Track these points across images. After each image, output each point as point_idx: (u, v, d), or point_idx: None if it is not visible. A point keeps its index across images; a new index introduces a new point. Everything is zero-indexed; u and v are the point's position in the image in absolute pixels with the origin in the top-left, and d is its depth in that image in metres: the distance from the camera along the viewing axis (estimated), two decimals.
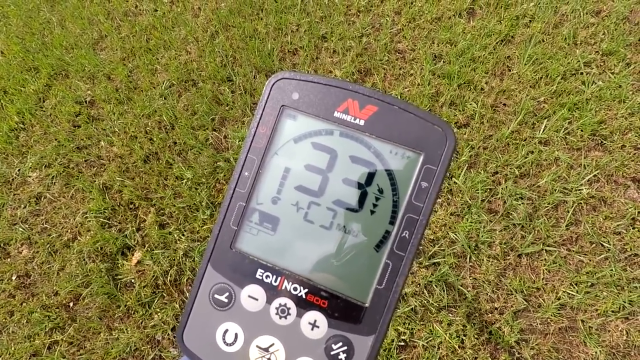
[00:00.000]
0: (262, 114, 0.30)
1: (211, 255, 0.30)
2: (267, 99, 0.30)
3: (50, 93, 1.82)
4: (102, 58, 1.89)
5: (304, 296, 0.29)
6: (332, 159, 0.29)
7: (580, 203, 1.29)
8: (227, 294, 0.29)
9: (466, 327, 1.15)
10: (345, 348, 0.28)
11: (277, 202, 0.29)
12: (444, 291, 1.19)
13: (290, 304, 0.29)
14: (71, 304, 1.34)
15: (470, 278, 1.21)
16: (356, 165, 0.29)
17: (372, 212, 0.28)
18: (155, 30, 1.92)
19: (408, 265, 0.27)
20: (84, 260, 1.38)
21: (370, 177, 0.28)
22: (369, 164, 0.28)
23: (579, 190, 1.31)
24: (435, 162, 0.27)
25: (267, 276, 0.29)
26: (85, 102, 1.77)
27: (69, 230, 1.45)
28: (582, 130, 1.41)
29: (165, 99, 1.69)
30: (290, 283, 0.29)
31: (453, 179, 1.35)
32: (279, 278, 0.29)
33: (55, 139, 1.66)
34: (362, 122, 0.28)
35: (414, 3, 1.81)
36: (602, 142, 1.40)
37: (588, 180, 1.32)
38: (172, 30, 1.92)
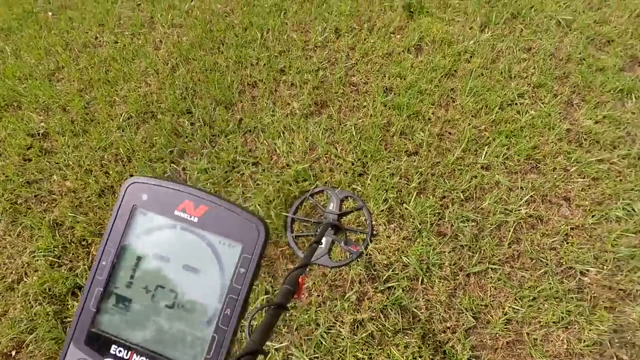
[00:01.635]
0: (117, 212, 0.36)
1: (73, 334, 0.35)
2: (122, 199, 0.36)
3: (0, 125, 1.75)
4: (58, 89, 1.86)
5: None
6: (175, 249, 0.35)
7: (520, 222, 1.40)
8: None
9: (422, 348, 1.19)
10: None
11: (130, 286, 0.35)
12: (399, 314, 1.23)
13: None
14: (13, 353, 1.25)
15: (423, 300, 1.26)
16: (193, 253, 0.35)
17: (205, 292, 0.35)
18: (115, 62, 1.93)
19: (230, 338, 0.33)
20: (30, 303, 1.30)
21: (204, 263, 0.35)
22: (203, 253, 0.35)
23: (519, 210, 1.42)
24: (251, 252, 0.34)
25: (120, 351, 0.34)
26: (38, 134, 1.72)
27: (13, 272, 1.37)
28: (518, 155, 1.55)
29: (123, 131, 1.67)
30: (139, 356, 0.34)
31: (404, 204, 1.43)
32: (129, 352, 0.34)
33: (3, 174, 1.59)
34: (196, 219, 0.35)
35: (366, 39, 1.94)
36: (536, 165, 1.54)
37: (526, 201, 1.44)
38: (132, 62, 1.93)
